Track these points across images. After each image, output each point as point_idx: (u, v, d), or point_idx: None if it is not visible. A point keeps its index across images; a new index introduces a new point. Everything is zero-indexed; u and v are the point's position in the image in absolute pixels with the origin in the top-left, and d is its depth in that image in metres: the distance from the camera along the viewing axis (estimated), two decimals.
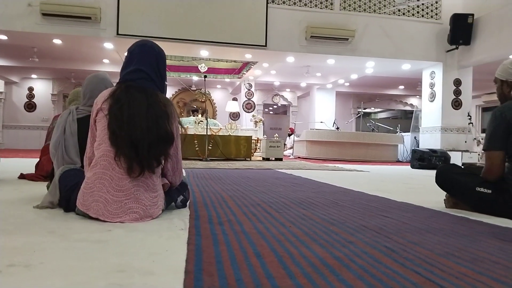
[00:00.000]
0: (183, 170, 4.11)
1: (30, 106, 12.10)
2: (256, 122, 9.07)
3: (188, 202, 1.91)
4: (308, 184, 3.16)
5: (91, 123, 1.59)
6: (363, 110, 11.88)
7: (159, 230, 1.36)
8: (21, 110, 12.01)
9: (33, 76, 12.05)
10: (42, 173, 2.76)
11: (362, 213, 1.79)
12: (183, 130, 1.70)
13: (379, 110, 17.83)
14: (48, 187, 1.94)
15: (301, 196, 2.32)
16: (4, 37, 7.27)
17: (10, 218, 1.48)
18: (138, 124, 1.49)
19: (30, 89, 12.18)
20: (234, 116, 12.72)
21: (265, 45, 7.66)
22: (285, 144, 11.53)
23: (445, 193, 2.06)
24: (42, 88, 12.25)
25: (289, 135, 11.88)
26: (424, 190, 3.01)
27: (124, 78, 1.60)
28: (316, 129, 9.85)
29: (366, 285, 0.86)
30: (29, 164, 4.13)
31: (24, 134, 11.95)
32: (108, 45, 7.81)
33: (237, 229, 1.38)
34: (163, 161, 1.58)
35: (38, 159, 2.90)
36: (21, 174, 2.85)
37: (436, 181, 2.03)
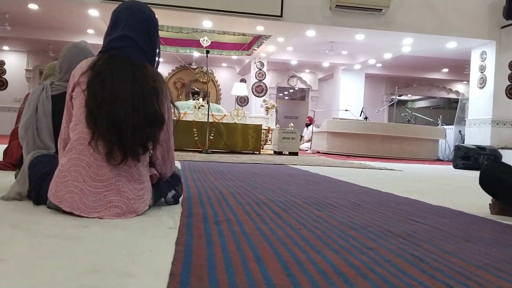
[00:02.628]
0: (178, 163, 4.21)
1: (1, 83, 12.21)
2: (267, 109, 9.13)
3: (181, 198, 1.93)
4: (326, 182, 3.18)
5: (67, 99, 1.60)
6: (398, 97, 11.79)
7: (144, 228, 1.38)
8: None
9: (5, 48, 12.16)
10: (11, 161, 2.79)
11: (389, 217, 1.80)
12: (176, 112, 1.70)
13: (417, 97, 17.70)
14: (16, 175, 1.96)
15: (316, 196, 2.33)
16: None
17: None
18: (121, 102, 1.49)
19: (1, 63, 12.27)
20: (242, 100, 12.75)
21: (281, 16, 7.63)
22: (301, 136, 11.58)
23: (491, 197, 2.05)
24: (15, 62, 12.36)
25: (307, 125, 11.91)
26: (466, 192, 3.03)
27: (108, 46, 1.60)
28: (339, 119, 9.87)
29: None
30: None
31: None
32: (93, 12, 7.86)
33: (236, 230, 1.39)
34: (150, 148, 1.59)
35: (7, 145, 2.93)
36: None
37: (480, 182, 2.02)
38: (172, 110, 1.67)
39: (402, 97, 16.95)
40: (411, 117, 10.44)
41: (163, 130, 1.62)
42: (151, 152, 1.61)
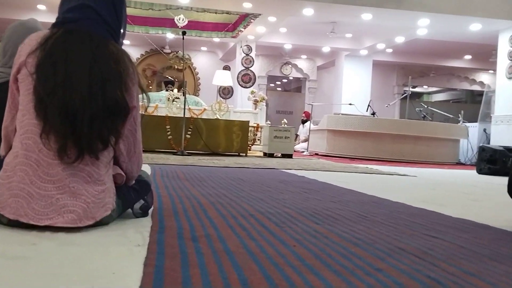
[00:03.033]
0: (147, 167, 4.17)
1: None
2: (256, 102, 9.14)
3: (151, 209, 1.93)
4: (327, 190, 3.20)
5: (11, 81, 1.57)
6: (411, 89, 11.89)
7: (106, 245, 1.37)
8: None
9: None
10: None
11: (401, 231, 1.82)
12: (145, 101, 1.70)
13: (434, 89, 17.89)
14: None
15: (314, 206, 2.35)
16: None
17: None
18: (77, 88, 1.48)
19: None
20: (225, 92, 12.76)
21: None
22: (297, 135, 11.64)
23: None
24: None
25: (303, 121, 11.99)
26: (492, 203, 3.06)
27: (63, 18, 1.59)
28: (342, 114, 9.93)
29: None
30: None
31: None
32: None
33: (218, 248, 1.39)
34: (112, 142, 1.57)
35: None
36: None
37: (508, 191, 2.05)
38: (141, 96, 1.67)
39: (417, 89, 17.10)
40: (427, 113, 10.53)
41: (129, 120, 1.61)
42: (114, 146, 1.59)
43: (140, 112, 1.69)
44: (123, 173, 1.69)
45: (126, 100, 1.55)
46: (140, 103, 1.69)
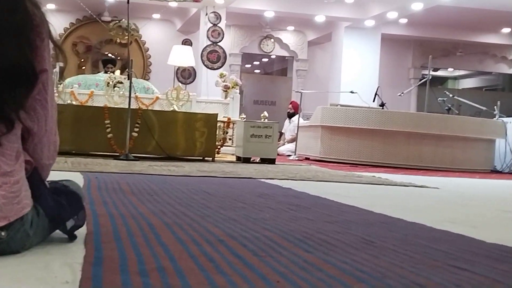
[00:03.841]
0: (79, 176, 4.11)
1: None
2: (227, 89, 9.15)
3: (85, 234, 1.92)
4: (321, 207, 3.19)
5: None
6: (432, 73, 11.93)
7: (22, 282, 1.34)
8: None
9: None
10: None
11: (418, 261, 1.82)
12: (59, 64, 1.69)
13: (462, 73, 17.97)
14: None
15: (304, 229, 2.35)
16: None
17: None
18: None
19: None
20: (185, 75, 12.68)
21: None
22: (281, 133, 11.63)
23: None
24: None
25: (290, 115, 11.99)
26: None
27: None
28: (341, 106, 9.91)
29: None
30: None
31: None
32: None
33: (176, 285, 1.38)
34: (15, 119, 1.55)
35: None
36: None
37: None
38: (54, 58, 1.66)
39: (439, 73, 17.09)
40: (452, 104, 10.54)
41: (38, 88, 1.59)
42: (19, 123, 1.57)
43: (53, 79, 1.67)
44: (30, 158, 1.67)
45: (31, 61, 1.54)
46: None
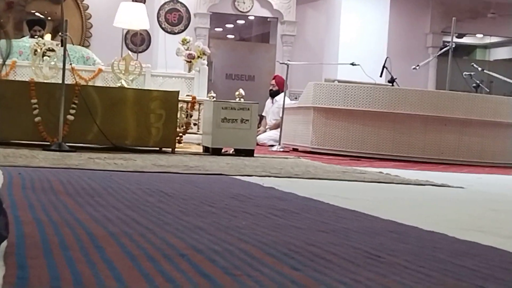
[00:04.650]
0: None
1: None
2: (191, 59, 9.19)
3: (4, 244, 1.91)
4: (312, 212, 3.19)
5: None
6: (456, 40, 11.92)
7: None
8: None
9: None
10: None
11: (438, 281, 1.82)
12: None
13: (494, 40, 17.91)
14: None
15: (291, 240, 2.34)
16: None
17: None
18: None
19: None
20: (137, 41, 12.63)
21: None
22: (261, 117, 11.68)
23: None
24: None
25: (273, 94, 12.08)
26: None
27: None
28: (339, 82, 9.90)
29: None
30: None
31: None
32: None
33: None
34: None
35: None
36: None
37: None
38: None
39: (465, 40, 17.00)
40: (481, 81, 10.57)
41: None
42: None
43: None
44: None
45: None
46: None
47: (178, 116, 7.89)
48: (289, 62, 10.86)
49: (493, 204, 4.22)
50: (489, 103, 9.33)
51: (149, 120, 7.58)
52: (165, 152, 7.54)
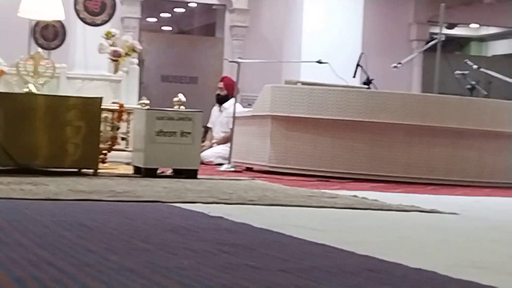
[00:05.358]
0: None
1: None
2: (117, 57, 9.37)
3: None
4: (271, 247, 3.18)
5: None
6: (446, 31, 11.75)
7: None
8: None
9: None
10: None
11: None
12: None
13: (492, 31, 17.67)
14: None
15: (245, 283, 2.25)
16: None
17: None
18: None
19: None
20: (49, 35, 13.12)
21: None
22: (206, 128, 12.06)
23: None
24: None
25: (221, 99, 12.24)
26: None
27: None
28: (303, 84, 9.89)
29: None
30: None
31: None
32: None
33: None
34: None
35: None
36: None
37: None
38: None
39: (457, 31, 16.76)
40: (477, 81, 10.77)
41: None
42: None
43: None
44: None
45: None
46: None
47: (102, 129, 7.64)
48: (240, 60, 10.80)
49: (494, 234, 4.30)
50: (487, 109, 9.29)
51: (65, 134, 7.28)
52: (85, 175, 7.28)
